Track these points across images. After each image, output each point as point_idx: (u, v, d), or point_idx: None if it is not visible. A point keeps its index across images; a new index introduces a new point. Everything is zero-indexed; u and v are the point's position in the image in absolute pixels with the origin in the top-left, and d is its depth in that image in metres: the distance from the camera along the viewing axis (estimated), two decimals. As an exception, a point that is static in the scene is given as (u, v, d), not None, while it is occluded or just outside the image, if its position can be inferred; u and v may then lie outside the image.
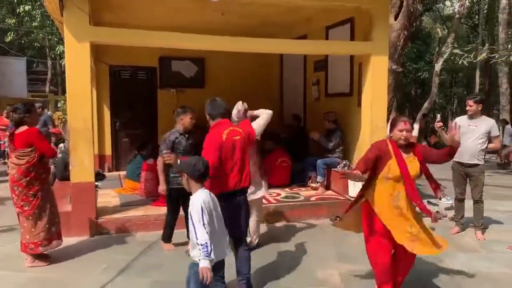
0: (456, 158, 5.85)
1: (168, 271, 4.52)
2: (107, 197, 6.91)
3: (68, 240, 5.28)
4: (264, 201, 5.93)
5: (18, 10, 15.79)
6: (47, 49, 23.24)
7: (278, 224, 6.22)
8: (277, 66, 10.35)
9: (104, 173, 8.84)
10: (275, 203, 6.50)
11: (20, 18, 17.59)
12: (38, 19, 17.10)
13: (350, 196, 6.77)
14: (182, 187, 4.63)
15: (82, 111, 5.42)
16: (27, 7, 14.94)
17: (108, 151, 9.52)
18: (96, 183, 6.19)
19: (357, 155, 7.25)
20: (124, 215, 5.82)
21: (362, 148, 6.94)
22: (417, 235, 3.56)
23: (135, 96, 9.66)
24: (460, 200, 5.94)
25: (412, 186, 3.56)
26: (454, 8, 28.85)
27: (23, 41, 20.02)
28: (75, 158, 5.44)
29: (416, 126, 18.78)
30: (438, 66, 19.30)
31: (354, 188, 6.71)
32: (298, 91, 9.33)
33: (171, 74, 9.88)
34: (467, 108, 5.74)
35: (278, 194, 6.99)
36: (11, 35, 17.05)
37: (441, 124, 5.62)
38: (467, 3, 21.92)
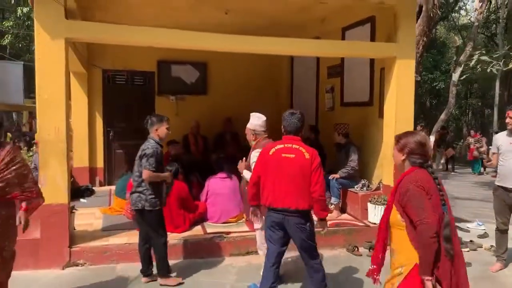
0: (499, 181, 4.93)
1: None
2: (90, 218, 6.05)
3: (36, 274, 4.48)
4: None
5: (18, 12, 15.14)
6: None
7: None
8: (287, 71, 9.50)
9: (93, 188, 8.01)
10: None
11: (21, 21, 16.95)
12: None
13: (370, 222, 5.84)
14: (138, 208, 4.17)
15: (54, 120, 4.59)
16: (25, 9, 14.29)
17: (99, 163, 8.68)
18: (73, 205, 5.36)
19: (377, 173, 6.35)
20: (103, 242, 4.94)
21: (383, 165, 6.04)
22: None
23: (131, 104, 8.86)
24: (502, 231, 4.97)
25: None
26: (471, 17, 27.97)
27: (20, 45, 19.44)
28: (46, 175, 4.59)
29: (432, 138, 17.86)
30: (455, 76, 18.32)
31: (375, 212, 5.79)
32: (310, 99, 8.43)
33: (171, 80, 9.06)
34: (507, 121, 4.81)
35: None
36: (9, 38, 16.38)
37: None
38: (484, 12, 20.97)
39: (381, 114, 6.14)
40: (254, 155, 4.07)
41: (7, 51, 21.07)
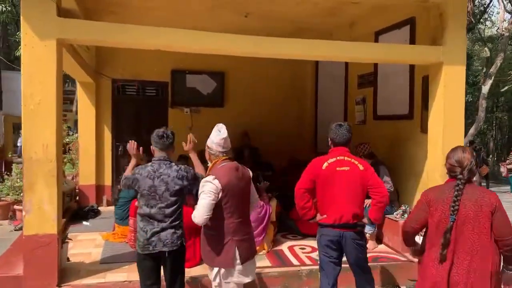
0: None
1: None
2: (90, 245, 5.33)
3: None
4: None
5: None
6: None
7: None
8: (311, 80, 8.73)
9: (99, 208, 7.32)
10: (310, 264, 4.75)
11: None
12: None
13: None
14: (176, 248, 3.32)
15: (43, 135, 3.91)
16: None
17: (107, 181, 8.01)
18: (66, 233, 4.64)
19: (418, 196, 5.48)
20: (99, 279, 4.19)
21: (428, 187, 5.18)
22: None
23: (142, 116, 8.23)
24: None
25: None
26: (498, 28, 26.94)
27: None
28: (30, 200, 3.89)
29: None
30: (485, 89, 17.39)
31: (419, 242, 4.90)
32: (337, 111, 7.61)
33: (185, 91, 8.38)
34: None
35: (312, 249, 5.22)
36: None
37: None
38: None
39: (423, 129, 5.31)
40: (202, 184, 3.05)
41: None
